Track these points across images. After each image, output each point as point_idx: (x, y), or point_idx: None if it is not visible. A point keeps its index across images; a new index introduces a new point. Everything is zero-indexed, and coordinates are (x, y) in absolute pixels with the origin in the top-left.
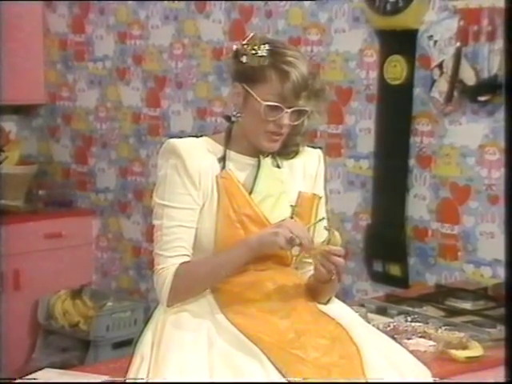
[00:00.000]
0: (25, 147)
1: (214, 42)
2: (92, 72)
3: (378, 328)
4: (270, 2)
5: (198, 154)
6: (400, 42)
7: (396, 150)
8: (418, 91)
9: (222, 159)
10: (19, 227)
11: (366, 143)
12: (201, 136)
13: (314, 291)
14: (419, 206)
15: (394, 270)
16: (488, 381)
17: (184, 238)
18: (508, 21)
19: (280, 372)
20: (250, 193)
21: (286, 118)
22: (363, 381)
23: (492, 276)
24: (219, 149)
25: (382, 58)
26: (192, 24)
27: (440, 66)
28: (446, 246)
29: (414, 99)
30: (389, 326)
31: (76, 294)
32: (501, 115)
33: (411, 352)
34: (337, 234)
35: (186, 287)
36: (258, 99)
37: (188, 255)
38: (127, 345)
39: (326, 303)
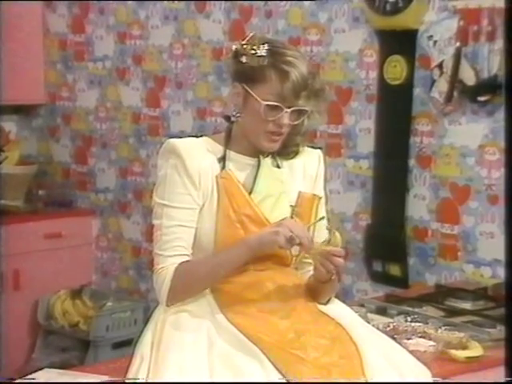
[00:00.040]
0: (25, 147)
1: (214, 42)
2: (92, 72)
3: (377, 328)
4: (269, 2)
5: (198, 154)
6: (400, 42)
7: (396, 150)
8: (417, 91)
9: (222, 159)
10: (19, 227)
11: (366, 143)
12: (201, 136)
13: (314, 291)
14: (419, 206)
15: (394, 270)
16: (488, 381)
17: (184, 238)
18: (508, 21)
19: (280, 372)
20: (250, 193)
21: (285, 118)
22: (363, 381)
23: (492, 276)
24: (219, 149)
25: (381, 58)
26: (192, 24)
27: (440, 66)
28: (446, 246)
29: (413, 99)
30: (389, 326)
31: (76, 294)
32: (501, 115)
33: (411, 352)
34: (337, 234)
35: (186, 287)
36: (258, 99)
37: (187, 255)
38: (127, 345)
39: (325, 303)
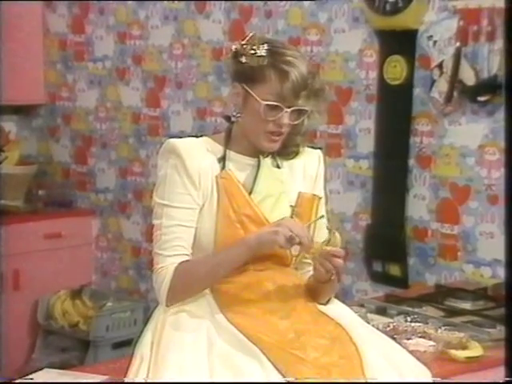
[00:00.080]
0: (25, 147)
1: (214, 42)
2: (92, 72)
3: (377, 328)
4: (269, 2)
5: (198, 154)
6: (400, 42)
7: (396, 150)
8: (417, 91)
9: (222, 159)
10: (19, 227)
11: (366, 143)
12: (201, 136)
13: (314, 291)
14: (419, 206)
15: (394, 270)
16: (488, 381)
17: (183, 238)
18: (508, 21)
19: (280, 372)
20: (250, 193)
21: (285, 118)
22: (363, 381)
23: (492, 276)
24: (219, 149)
25: (381, 58)
26: (192, 24)
27: (440, 66)
28: (446, 246)
29: (413, 99)
30: (388, 326)
31: (76, 294)
32: (500, 115)
33: (411, 352)
34: (337, 234)
35: (185, 286)
36: (258, 99)
37: (187, 254)
38: (127, 345)
39: (325, 303)
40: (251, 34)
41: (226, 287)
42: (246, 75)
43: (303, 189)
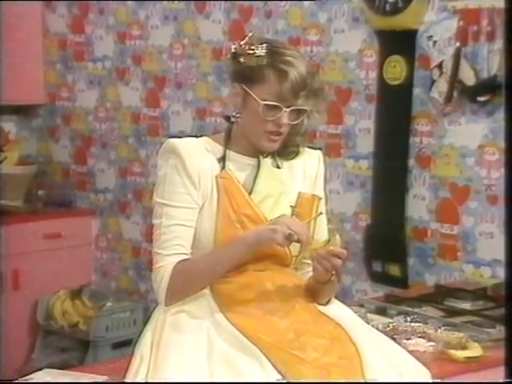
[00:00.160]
0: (24, 147)
1: (214, 42)
2: (91, 72)
3: (377, 328)
4: (269, 2)
5: (198, 154)
6: (399, 42)
7: (395, 150)
8: (417, 91)
9: (222, 159)
10: (19, 227)
11: (366, 143)
12: (200, 136)
13: (314, 292)
14: (419, 206)
15: (394, 270)
16: (488, 381)
17: (183, 237)
18: (508, 21)
19: (279, 372)
20: (250, 193)
21: (284, 118)
22: (363, 381)
23: (491, 276)
24: (219, 149)
25: (381, 58)
26: (192, 24)
27: (439, 66)
28: (446, 246)
29: (413, 99)
30: (388, 326)
31: (75, 294)
32: (500, 115)
33: (410, 352)
34: (337, 236)
35: (184, 285)
36: (257, 99)
37: (186, 254)
38: (126, 345)
39: (325, 304)
40: (250, 34)
41: (226, 287)
42: (245, 75)
43: (303, 189)
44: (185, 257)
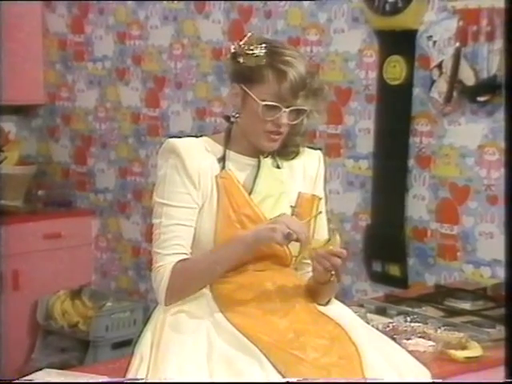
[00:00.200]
0: (24, 147)
1: (214, 42)
2: (91, 72)
3: (377, 328)
4: (269, 3)
5: (198, 154)
6: (399, 42)
7: (395, 150)
8: (417, 91)
9: (222, 159)
10: (18, 227)
11: (366, 143)
12: (200, 136)
13: (314, 292)
14: (418, 206)
15: (394, 270)
16: (487, 381)
17: (182, 237)
18: (508, 21)
19: (279, 372)
20: (250, 193)
21: (284, 118)
22: (363, 381)
23: (491, 276)
24: (219, 149)
25: (381, 58)
26: (191, 24)
27: (439, 66)
28: (446, 246)
29: (413, 99)
30: (388, 326)
31: (75, 294)
32: (500, 115)
33: (410, 352)
34: (337, 236)
35: (183, 285)
36: (256, 99)
37: (186, 253)
38: (126, 345)
39: (325, 304)
40: (249, 35)
41: (226, 287)
42: (244, 75)
43: (303, 189)
44: (184, 256)
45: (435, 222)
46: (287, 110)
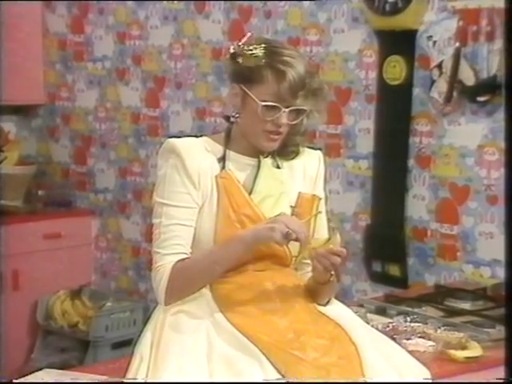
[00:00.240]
0: (24, 147)
1: (214, 42)
2: (91, 72)
3: (377, 328)
4: (269, 3)
5: (198, 154)
6: (399, 42)
7: (395, 150)
8: (417, 91)
9: (222, 159)
10: (18, 227)
11: (366, 143)
12: (200, 136)
13: (313, 292)
14: (418, 206)
15: (394, 270)
16: (487, 381)
17: (182, 236)
18: (508, 21)
19: (279, 372)
20: (250, 193)
21: (283, 118)
22: (362, 381)
23: (491, 276)
24: (219, 149)
25: (381, 58)
26: (191, 24)
27: (439, 66)
28: (445, 246)
29: (413, 99)
30: (388, 326)
31: (75, 294)
32: (500, 115)
33: (410, 352)
34: (338, 235)
35: (183, 284)
36: (256, 99)
37: (186, 253)
38: (126, 345)
39: (325, 304)
40: (249, 35)
41: (226, 287)
42: (243, 76)
43: (303, 189)
44: (184, 256)
45: (435, 222)
46: (287, 110)
